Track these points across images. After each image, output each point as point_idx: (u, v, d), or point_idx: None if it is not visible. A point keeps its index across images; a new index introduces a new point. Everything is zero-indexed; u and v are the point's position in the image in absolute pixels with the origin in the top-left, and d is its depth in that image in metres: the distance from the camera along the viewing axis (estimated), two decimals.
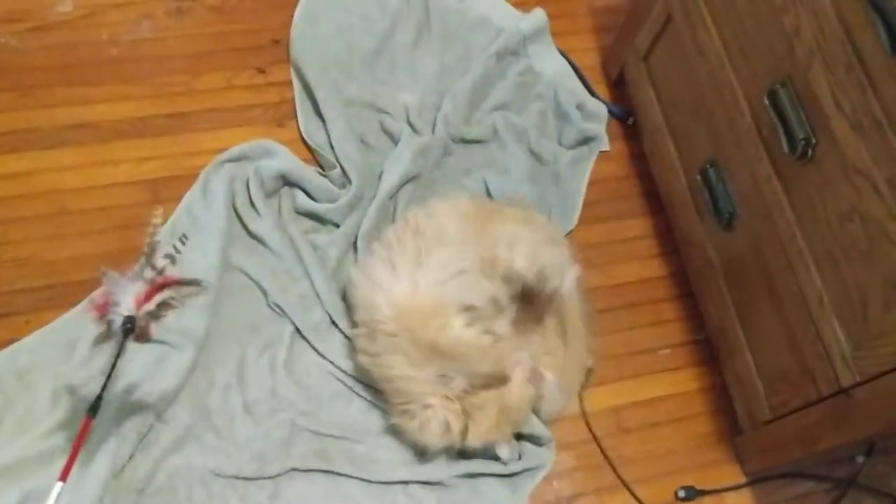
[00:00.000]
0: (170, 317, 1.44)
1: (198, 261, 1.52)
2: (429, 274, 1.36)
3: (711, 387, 1.57)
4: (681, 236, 1.62)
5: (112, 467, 1.30)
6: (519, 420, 1.39)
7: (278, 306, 1.51)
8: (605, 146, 1.79)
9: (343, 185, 1.64)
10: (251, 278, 1.54)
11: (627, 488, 1.46)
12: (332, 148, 1.67)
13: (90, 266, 1.52)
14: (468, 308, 1.34)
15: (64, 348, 1.43)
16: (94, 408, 1.33)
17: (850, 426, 1.19)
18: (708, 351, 1.59)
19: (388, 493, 1.39)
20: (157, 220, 1.38)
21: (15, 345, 1.43)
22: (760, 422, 1.41)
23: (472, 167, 1.72)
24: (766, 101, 1.25)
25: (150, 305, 1.34)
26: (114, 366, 1.34)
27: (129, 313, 1.32)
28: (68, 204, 1.59)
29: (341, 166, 1.65)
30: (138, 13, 1.81)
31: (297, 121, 1.73)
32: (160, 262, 1.40)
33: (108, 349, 1.43)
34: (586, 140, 1.76)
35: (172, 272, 1.41)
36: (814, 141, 1.17)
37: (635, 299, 1.64)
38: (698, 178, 1.49)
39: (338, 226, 1.61)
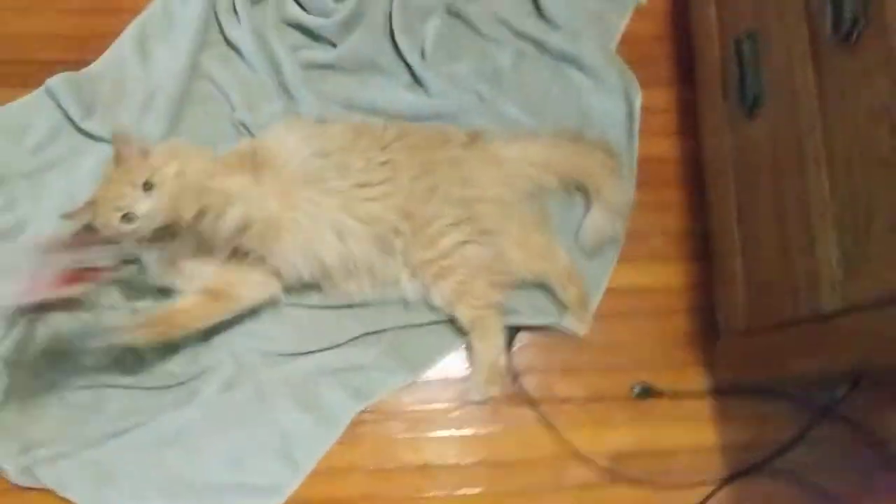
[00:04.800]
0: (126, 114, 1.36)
1: (166, 60, 1.41)
2: None
3: (697, 285, 1.42)
4: (701, 116, 1.42)
5: None
6: None
7: (244, 125, 1.39)
8: None
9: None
10: (219, 88, 1.42)
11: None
12: None
13: (57, 46, 1.44)
14: None
15: (15, 133, 1.37)
16: None
17: (822, 355, 1.05)
18: (703, 247, 1.42)
19: None
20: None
21: None
22: (736, 331, 1.27)
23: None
24: None
25: (60, 292, 1.12)
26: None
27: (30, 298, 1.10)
28: None
29: None
30: None
31: None
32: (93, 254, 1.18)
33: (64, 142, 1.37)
34: None
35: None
36: (862, 23, 0.96)
37: (641, 177, 1.47)
38: (733, 49, 1.28)
39: (334, 45, 1.46)
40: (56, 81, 1.37)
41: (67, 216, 1.18)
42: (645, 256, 1.44)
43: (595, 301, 1.39)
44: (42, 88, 1.38)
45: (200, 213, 1.11)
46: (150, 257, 1.23)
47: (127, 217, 1.13)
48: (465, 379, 1.33)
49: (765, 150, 1.20)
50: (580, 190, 1.41)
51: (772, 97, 1.18)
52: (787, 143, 1.12)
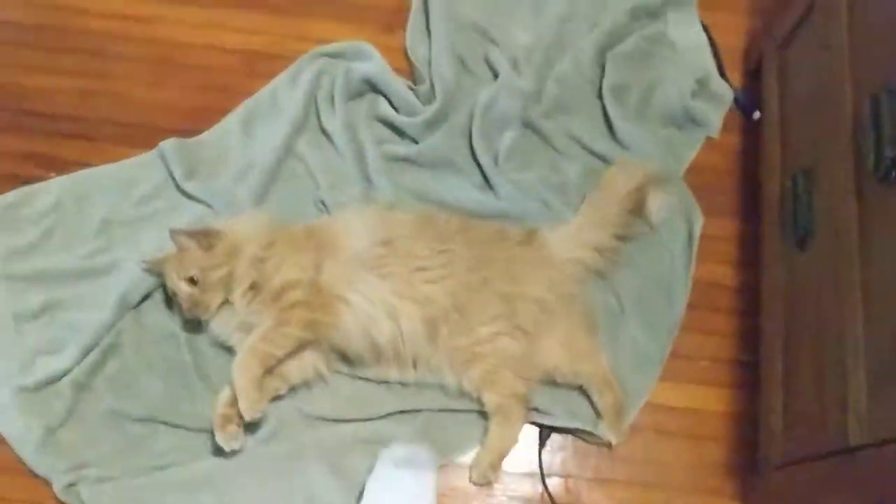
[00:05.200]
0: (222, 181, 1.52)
1: (266, 138, 1.57)
2: None
3: (738, 415, 1.41)
4: (761, 248, 1.46)
5: None
6: None
7: (324, 203, 1.52)
8: (714, 133, 1.63)
9: (428, 102, 1.61)
10: (308, 168, 1.56)
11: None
12: (429, 63, 1.64)
13: (175, 116, 1.62)
14: None
15: (124, 185, 1.53)
16: None
17: (849, 491, 1.03)
18: (751, 376, 1.42)
19: None
20: None
21: (85, 171, 1.55)
22: (772, 465, 1.25)
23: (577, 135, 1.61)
24: (867, 105, 1.08)
25: None
26: None
27: None
28: (173, 55, 1.68)
29: (431, 83, 1.62)
30: None
31: (405, 30, 1.71)
32: None
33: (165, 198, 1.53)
34: (691, 121, 1.61)
35: None
36: None
37: (694, 301, 1.50)
38: (789, 184, 1.33)
39: (416, 142, 1.59)
40: (167, 145, 1.54)
41: (145, 262, 1.40)
42: (689, 378, 1.45)
43: (632, 413, 1.40)
44: (155, 150, 1.55)
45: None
46: (216, 321, 1.36)
47: (174, 294, 1.35)
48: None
49: (812, 282, 1.22)
50: (639, 213, 1.47)
51: (821, 230, 1.21)
52: (830, 274, 1.14)
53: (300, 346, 1.30)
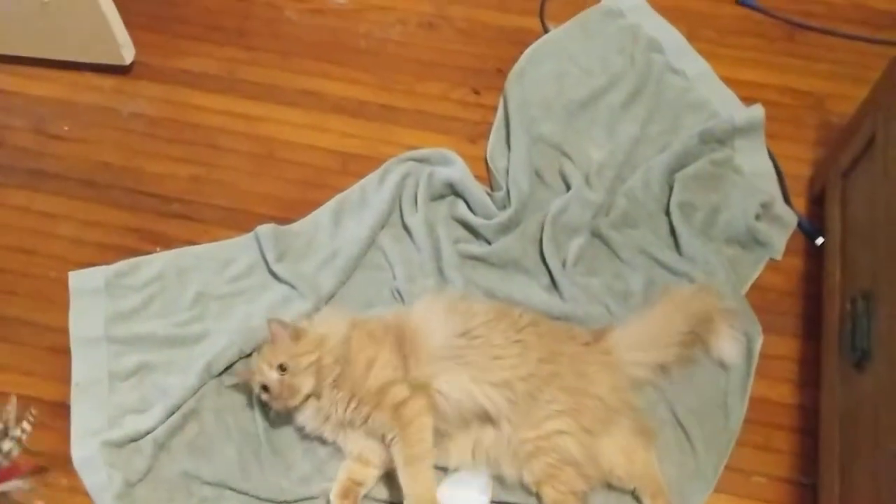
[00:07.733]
0: (309, 266, 1.64)
1: (352, 230, 1.70)
2: None
3: None
4: (819, 369, 1.49)
5: None
6: None
7: (399, 293, 1.62)
8: (777, 255, 1.69)
9: (504, 208, 1.73)
10: (387, 260, 1.67)
11: None
12: (507, 173, 1.77)
13: (272, 205, 1.78)
14: None
15: (221, 263, 1.68)
16: None
17: None
18: (809, 499, 1.42)
19: None
20: (11, 407, 1.37)
21: (188, 248, 1.70)
22: None
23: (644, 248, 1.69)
24: None
25: None
26: None
27: None
28: (276, 151, 1.86)
29: (508, 190, 1.74)
30: (396, 18, 2.08)
31: (487, 142, 1.85)
32: (6, 445, 1.36)
33: (256, 277, 1.66)
34: (755, 242, 1.67)
35: (19, 455, 1.36)
36: None
37: (751, 416, 1.52)
38: (849, 306, 1.37)
39: (489, 243, 1.70)
40: (263, 229, 1.68)
41: (237, 375, 1.51)
42: (743, 493, 1.45)
43: None
44: (252, 233, 1.70)
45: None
46: (303, 416, 1.44)
47: (264, 388, 1.40)
48: None
49: (869, 403, 1.24)
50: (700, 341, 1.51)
51: (878, 353, 1.24)
52: (886, 395, 1.17)
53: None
